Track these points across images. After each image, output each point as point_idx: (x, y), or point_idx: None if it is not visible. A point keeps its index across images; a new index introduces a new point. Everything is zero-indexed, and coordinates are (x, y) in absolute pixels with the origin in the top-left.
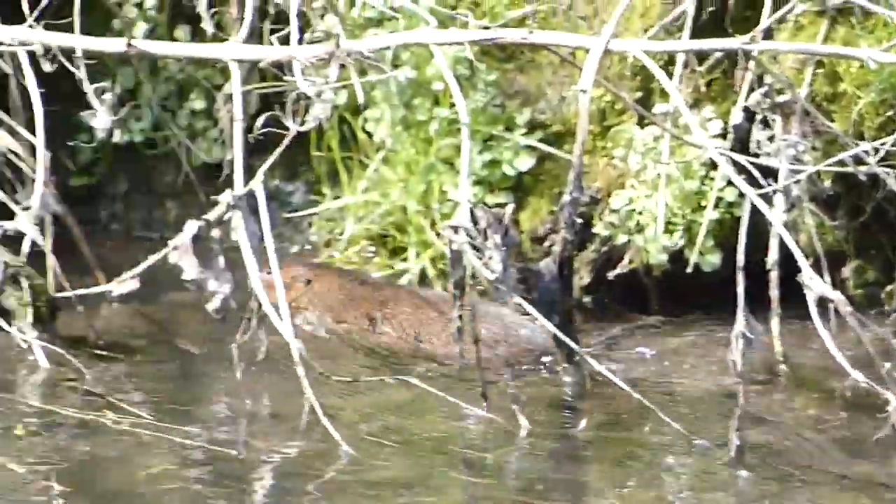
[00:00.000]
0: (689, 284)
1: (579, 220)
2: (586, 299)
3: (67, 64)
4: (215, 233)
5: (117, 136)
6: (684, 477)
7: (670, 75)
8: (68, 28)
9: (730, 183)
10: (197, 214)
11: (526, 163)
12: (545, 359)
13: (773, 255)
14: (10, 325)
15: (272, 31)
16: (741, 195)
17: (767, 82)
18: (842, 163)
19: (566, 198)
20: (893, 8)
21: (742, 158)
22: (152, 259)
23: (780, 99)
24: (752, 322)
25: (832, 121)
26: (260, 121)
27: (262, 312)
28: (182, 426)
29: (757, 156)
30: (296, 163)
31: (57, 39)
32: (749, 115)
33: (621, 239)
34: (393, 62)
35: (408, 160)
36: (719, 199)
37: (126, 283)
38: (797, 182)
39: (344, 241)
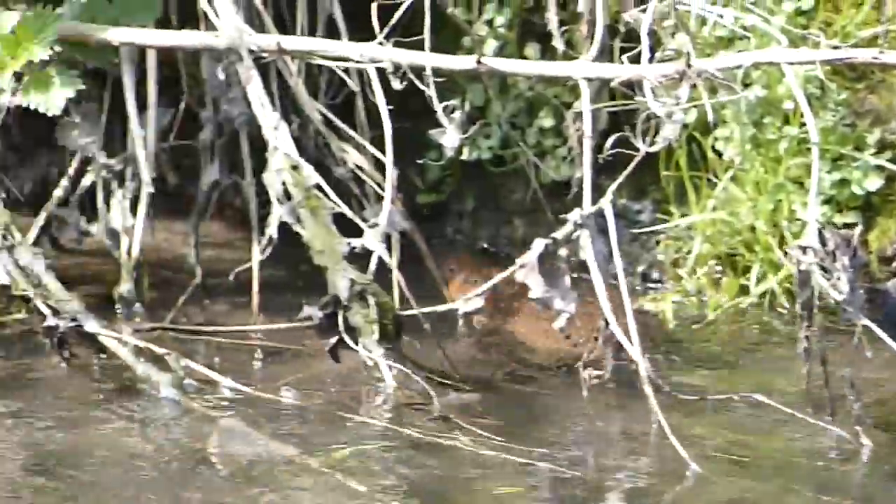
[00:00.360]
0: None
1: None
2: None
3: (417, 81)
4: (563, 251)
5: (466, 154)
6: None
7: None
8: (418, 45)
9: None
10: (544, 232)
11: (875, 183)
12: None
13: None
14: (356, 342)
15: (622, 50)
16: None
17: None
18: None
19: None
20: None
21: None
22: (499, 277)
23: None
24: None
25: None
26: (609, 141)
27: (609, 332)
28: (528, 447)
29: None
30: (643, 181)
31: (407, 57)
32: None
33: None
34: (743, 81)
35: (756, 179)
36: None
37: (472, 301)
38: None
39: (691, 259)
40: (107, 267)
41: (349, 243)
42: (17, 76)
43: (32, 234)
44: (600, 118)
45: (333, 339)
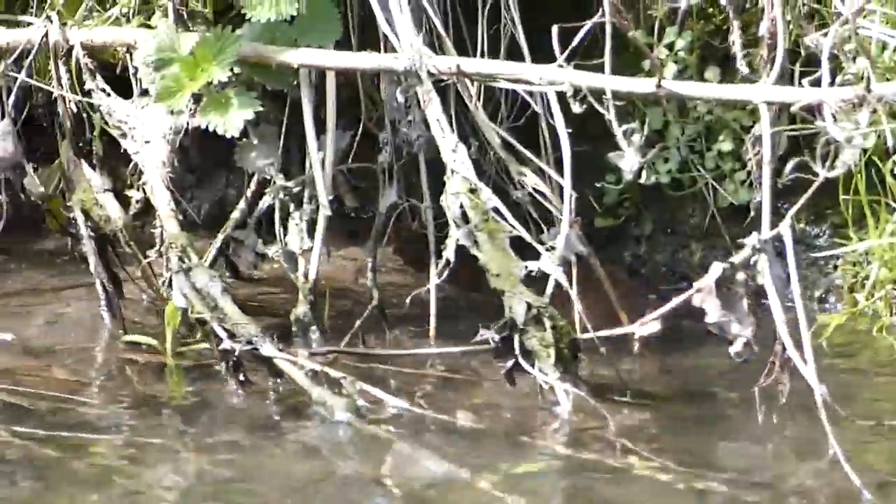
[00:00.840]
0: None
1: None
2: None
3: (596, 104)
4: (740, 276)
5: (644, 177)
6: None
7: None
8: (598, 68)
9: None
10: (722, 257)
11: None
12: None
13: None
14: (532, 366)
15: (802, 74)
16: None
17: None
18: None
19: None
20: None
21: None
22: (676, 301)
23: None
24: None
25: None
26: (789, 165)
27: (785, 356)
28: (703, 470)
29: None
30: (822, 206)
31: (586, 80)
32: None
33: None
34: None
35: None
36: None
37: (649, 325)
38: None
39: (869, 284)
40: (285, 293)
41: (526, 266)
42: (196, 97)
43: (209, 256)
44: (780, 142)
45: (509, 363)
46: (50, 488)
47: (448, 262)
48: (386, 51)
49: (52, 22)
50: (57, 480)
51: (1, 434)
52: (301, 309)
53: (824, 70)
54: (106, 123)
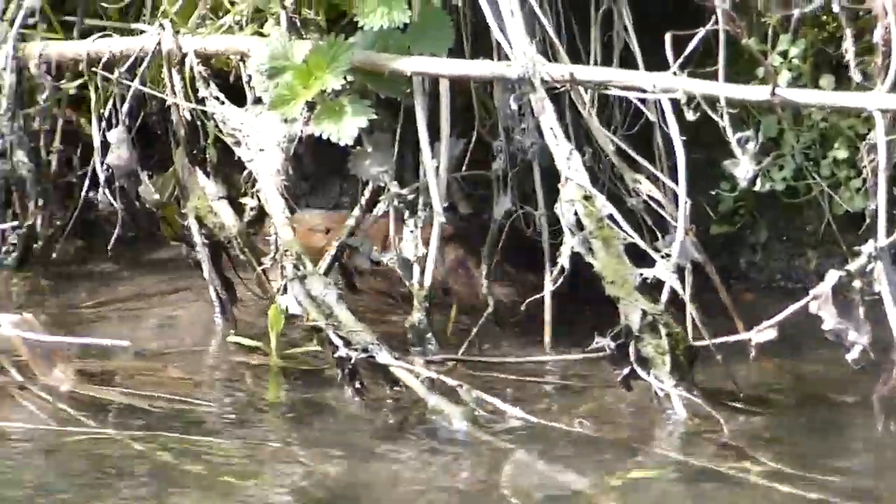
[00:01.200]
0: None
1: None
2: None
3: (710, 112)
4: (857, 283)
5: (759, 185)
6: None
7: None
8: (712, 76)
9: None
10: (838, 265)
11: None
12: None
13: None
14: (648, 373)
15: None
16: None
17: None
18: None
19: None
20: None
21: None
22: (792, 308)
23: None
24: None
25: None
26: None
27: None
28: (817, 478)
29: None
30: None
31: (700, 87)
32: None
33: None
34: None
35: None
36: None
37: (765, 333)
38: None
39: None
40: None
41: (641, 274)
42: (310, 105)
43: (324, 264)
44: (895, 150)
45: (625, 370)
46: (165, 490)
47: (563, 269)
48: (499, 58)
49: (165, 30)
50: (171, 482)
51: (117, 436)
52: (416, 316)
53: None
54: (220, 131)
